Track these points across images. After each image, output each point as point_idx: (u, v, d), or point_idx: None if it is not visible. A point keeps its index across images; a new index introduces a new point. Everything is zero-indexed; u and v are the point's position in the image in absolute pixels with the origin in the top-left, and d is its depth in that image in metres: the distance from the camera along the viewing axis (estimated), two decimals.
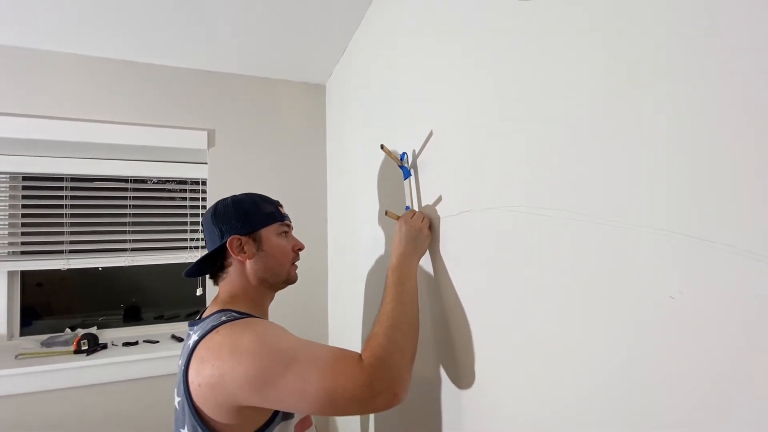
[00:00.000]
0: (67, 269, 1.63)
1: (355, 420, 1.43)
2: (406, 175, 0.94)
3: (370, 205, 1.26)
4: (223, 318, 0.72)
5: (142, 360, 1.53)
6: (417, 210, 0.91)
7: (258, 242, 0.83)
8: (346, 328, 1.55)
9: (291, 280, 0.89)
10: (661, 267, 0.39)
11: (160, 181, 1.84)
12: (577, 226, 0.49)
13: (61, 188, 1.66)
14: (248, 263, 0.82)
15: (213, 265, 0.86)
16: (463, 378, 0.75)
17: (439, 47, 0.84)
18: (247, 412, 0.67)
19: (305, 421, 0.79)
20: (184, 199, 1.84)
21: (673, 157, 0.38)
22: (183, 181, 1.84)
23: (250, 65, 1.67)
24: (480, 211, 0.69)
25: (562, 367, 0.52)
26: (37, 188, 1.64)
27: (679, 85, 0.38)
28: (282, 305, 1.47)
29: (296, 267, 0.90)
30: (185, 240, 1.82)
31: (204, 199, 1.81)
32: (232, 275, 0.83)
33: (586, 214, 0.48)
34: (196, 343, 0.69)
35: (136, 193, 1.77)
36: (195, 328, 0.76)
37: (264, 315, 0.86)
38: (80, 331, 1.66)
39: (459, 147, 0.76)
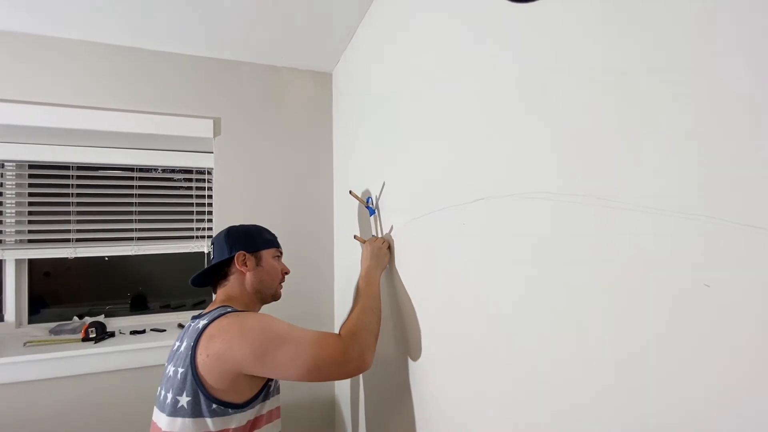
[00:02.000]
0: (74, 258, 1.63)
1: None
2: (371, 213, 1.21)
3: (379, 197, 1.25)
4: (229, 309, 0.91)
5: (149, 348, 1.54)
6: (379, 236, 1.18)
7: (258, 259, 1.05)
8: None
9: (277, 296, 1.09)
10: (697, 254, 0.38)
11: (166, 170, 1.83)
12: (606, 213, 0.47)
13: (67, 177, 1.65)
14: (248, 275, 1.02)
15: (217, 274, 1.05)
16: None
17: (452, 33, 0.82)
18: (242, 382, 0.83)
19: (274, 412, 0.96)
20: (190, 188, 1.83)
21: (712, 139, 0.37)
22: (189, 171, 1.83)
23: (255, 52, 1.65)
24: (503, 198, 0.68)
25: (570, 362, 0.51)
26: (43, 176, 1.63)
27: (713, 64, 0.36)
28: (292, 297, 1.50)
29: (282, 287, 1.10)
30: (191, 230, 1.81)
31: (210, 189, 1.80)
32: (232, 283, 1.02)
33: (613, 201, 0.46)
34: (206, 326, 0.85)
35: (143, 182, 1.76)
36: (200, 318, 0.91)
37: None
38: (88, 320, 1.67)
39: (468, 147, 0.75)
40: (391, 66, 1.15)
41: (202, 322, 0.87)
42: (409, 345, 1.00)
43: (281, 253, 1.13)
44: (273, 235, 1.13)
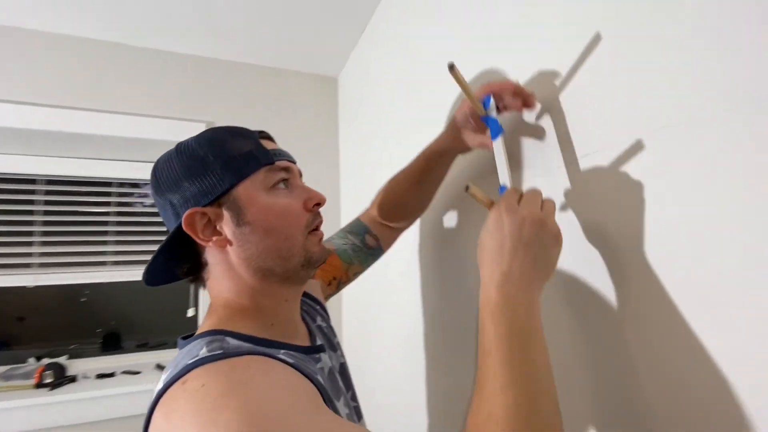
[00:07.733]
0: (36, 287, 1.37)
1: None
2: (496, 132, 0.55)
3: None
4: (204, 351, 0.42)
5: (118, 395, 1.26)
6: (523, 190, 0.47)
7: (236, 210, 0.49)
8: (368, 374, 1.24)
9: (313, 258, 0.52)
10: None
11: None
12: None
13: (32, 192, 1.42)
14: (230, 249, 0.50)
15: (185, 260, 0.53)
16: None
17: (464, 28, 0.70)
18: None
19: None
20: None
21: None
22: None
23: (254, 53, 1.51)
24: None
25: None
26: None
27: None
28: None
29: (318, 235, 0.54)
30: None
31: None
32: (216, 272, 0.51)
33: None
34: (161, 392, 0.39)
35: (122, 199, 1.55)
36: (177, 356, 0.45)
37: (287, 329, 0.54)
38: (45, 361, 1.39)
39: None
40: (403, 69, 1.04)
41: (161, 379, 0.43)
42: None
43: (289, 167, 0.53)
44: (253, 140, 0.52)
